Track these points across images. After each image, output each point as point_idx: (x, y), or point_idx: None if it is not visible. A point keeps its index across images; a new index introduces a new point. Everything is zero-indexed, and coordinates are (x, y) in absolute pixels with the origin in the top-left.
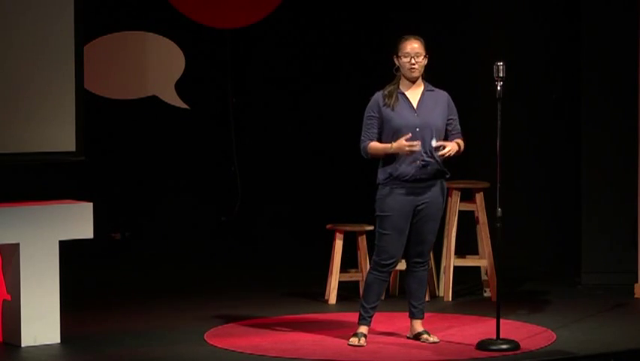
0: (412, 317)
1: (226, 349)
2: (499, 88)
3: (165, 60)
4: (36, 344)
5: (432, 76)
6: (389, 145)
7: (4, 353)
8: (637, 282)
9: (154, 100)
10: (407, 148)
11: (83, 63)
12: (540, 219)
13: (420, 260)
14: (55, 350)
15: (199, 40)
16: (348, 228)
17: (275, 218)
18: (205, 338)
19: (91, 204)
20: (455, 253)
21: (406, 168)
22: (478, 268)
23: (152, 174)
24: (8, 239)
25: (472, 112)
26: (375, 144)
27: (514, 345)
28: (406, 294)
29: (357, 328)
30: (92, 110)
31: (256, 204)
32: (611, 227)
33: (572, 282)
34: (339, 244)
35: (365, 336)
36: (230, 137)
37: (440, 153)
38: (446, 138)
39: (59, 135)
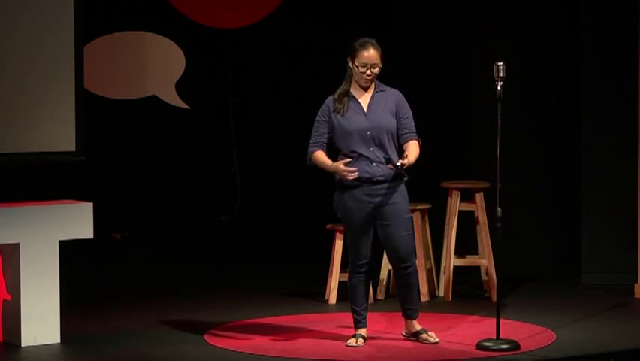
0: (407, 317)
1: (226, 349)
2: (499, 88)
3: (165, 60)
4: (36, 344)
5: (432, 76)
6: (329, 164)
7: (4, 353)
8: (637, 282)
9: (154, 100)
10: (343, 174)
11: (82, 63)
12: (540, 219)
13: (404, 265)
14: (55, 350)
15: (199, 40)
16: None
17: (275, 218)
18: (205, 338)
19: (91, 204)
20: (455, 253)
21: (361, 169)
22: (478, 268)
23: (152, 174)
24: (8, 239)
25: (472, 112)
26: (318, 157)
27: (514, 345)
28: (398, 298)
29: (355, 330)
30: (92, 110)
31: (256, 204)
32: (611, 227)
33: (572, 282)
34: (339, 244)
35: (363, 338)
36: (230, 137)
37: (404, 166)
38: (398, 139)
39: (59, 135)
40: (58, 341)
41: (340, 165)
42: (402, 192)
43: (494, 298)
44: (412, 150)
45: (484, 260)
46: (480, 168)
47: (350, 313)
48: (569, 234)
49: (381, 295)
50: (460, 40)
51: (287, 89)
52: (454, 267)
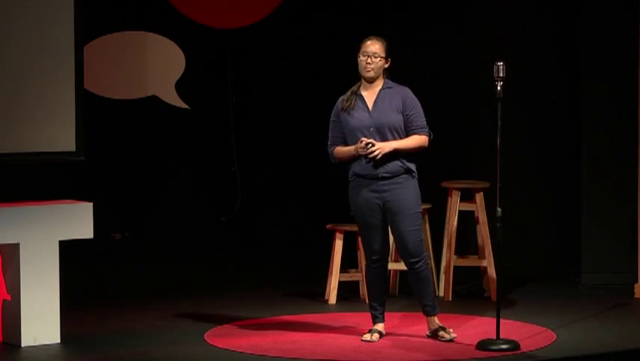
0: (426, 314)
1: (226, 349)
2: (499, 88)
3: (165, 60)
4: (36, 344)
5: (432, 75)
6: (351, 148)
7: (4, 353)
8: (637, 282)
9: (154, 100)
10: (362, 150)
11: (83, 63)
12: (540, 219)
13: (412, 260)
14: (55, 350)
15: (199, 40)
16: (348, 228)
17: (275, 218)
18: (205, 338)
19: (91, 204)
20: (455, 253)
21: (364, 166)
22: (478, 268)
23: (152, 174)
24: (8, 239)
25: (472, 112)
26: (339, 150)
27: (514, 345)
28: (415, 297)
29: (373, 325)
30: (92, 110)
31: (256, 204)
32: (611, 227)
33: (572, 282)
34: (339, 244)
35: (379, 333)
36: (230, 137)
37: (364, 152)
38: (407, 135)
39: (59, 135)
40: (58, 341)
41: (360, 144)
42: (409, 188)
43: (494, 298)
44: (403, 140)
45: (484, 260)
46: (480, 168)
47: (350, 312)
48: (569, 234)
49: None
50: (460, 40)
51: (287, 88)
52: (454, 267)
